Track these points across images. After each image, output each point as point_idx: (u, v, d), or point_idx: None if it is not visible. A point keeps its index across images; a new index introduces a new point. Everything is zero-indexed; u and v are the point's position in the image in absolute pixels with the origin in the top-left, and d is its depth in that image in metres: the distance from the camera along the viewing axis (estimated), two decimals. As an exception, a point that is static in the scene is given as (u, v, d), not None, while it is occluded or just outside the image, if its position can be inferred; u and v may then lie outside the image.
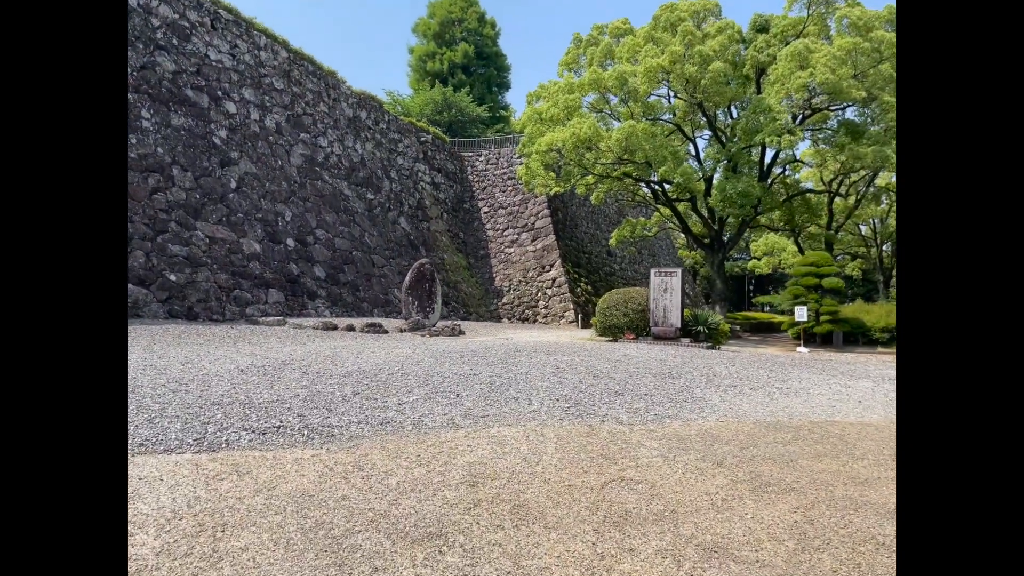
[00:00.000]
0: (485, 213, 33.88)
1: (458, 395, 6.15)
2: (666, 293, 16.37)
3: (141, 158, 14.99)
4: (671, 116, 24.68)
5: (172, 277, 14.07)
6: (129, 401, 5.27)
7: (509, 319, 30.18)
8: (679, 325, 16.12)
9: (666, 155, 20.43)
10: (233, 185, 17.88)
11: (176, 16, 17.79)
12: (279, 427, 4.62)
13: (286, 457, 3.96)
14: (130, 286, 12.94)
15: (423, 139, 32.17)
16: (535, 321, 29.64)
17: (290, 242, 19.21)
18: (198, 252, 15.30)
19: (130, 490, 3.29)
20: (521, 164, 32.97)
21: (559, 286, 29.63)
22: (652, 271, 16.69)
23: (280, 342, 11.13)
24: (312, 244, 20.29)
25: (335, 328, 15.29)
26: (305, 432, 4.51)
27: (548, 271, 30.39)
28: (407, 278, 17.78)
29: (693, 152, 27.24)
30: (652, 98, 24.00)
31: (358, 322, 17.11)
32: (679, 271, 16.58)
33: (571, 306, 28.94)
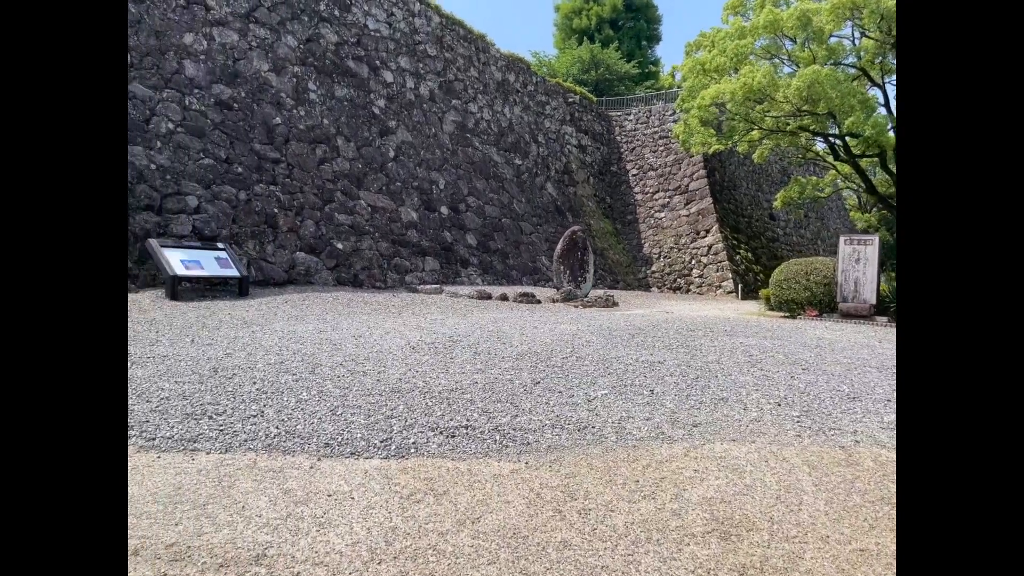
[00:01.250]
0: (633, 176, 32.22)
1: (652, 391, 5.32)
2: (858, 264, 14.19)
3: (309, 129, 15.56)
4: (856, 59, 21.39)
5: (339, 245, 14.56)
6: (310, 383, 5.07)
7: (659, 288, 28.67)
8: (874, 301, 13.93)
9: (854, 104, 17.67)
10: (392, 154, 18.18)
11: (338, -12, 18.15)
12: (467, 427, 4.09)
13: (483, 471, 3.39)
14: (302, 254, 13.53)
15: (570, 100, 31.05)
16: (688, 291, 27.86)
17: (444, 210, 19.31)
18: (361, 221, 15.73)
19: (319, 511, 2.86)
20: (676, 121, 30.79)
21: (715, 253, 27.50)
22: (841, 239, 14.54)
23: (441, 312, 10.97)
24: (464, 212, 20.27)
25: (489, 297, 15.08)
26: (496, 437, 3.94)
27: (703, 237, 28.30)
28: (559, 247, 17.12)
29: (882, 100, 23.56)
30: (833, 39, 20.92)
31: (510, 291, 16.82)
32: (876, 239, 14.28)
33: (729, 275, 26.79)
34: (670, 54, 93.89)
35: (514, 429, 4.11)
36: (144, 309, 8.58)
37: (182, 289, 10.09)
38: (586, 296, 17.06)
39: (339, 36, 17.75)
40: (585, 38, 40.41)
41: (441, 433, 3.96)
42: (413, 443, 3.77)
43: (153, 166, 11.49)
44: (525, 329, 9.00)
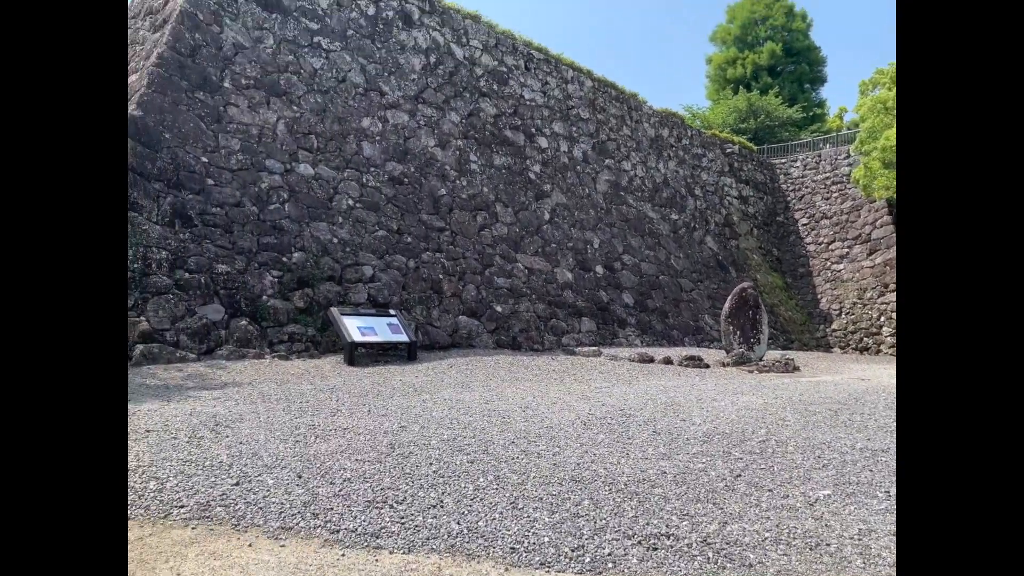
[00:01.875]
0: (803, 225, 29.70)
1: (888, 493, 4.31)
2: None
3: (471, 198, 16.19)
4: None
5: (498, 308, 14.70)
6: (485, 465, 4.76)
7: (841, 348, 25.61)
8: None
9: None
10: (547, 217, 18.35)
11: (496, 63, 19.16)
12: (667, 535, 3.48)
13: (702, 604, 2.76)
14: (464, 318, 13.80)
15: (728, 150, 29.75)
16: (878, 351, 24.56)
17: (599, 269, 18.96)
18: (519, 283, 15.84)
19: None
20: (853, 165, 28.17)
21: (909, 309, 24.06)
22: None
23: (605, 379, 10.41)
24: (619, 270, 19.76)
25: (651, 360, 14.23)
26: (708, 553, 3.28)
27: (893, 291, 25.00)
28: (727, 305, 15.88)
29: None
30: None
31: (673, 353, 15.80)
32: None
33: (929, 334, 23.15)
34: (838, 95, 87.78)
35: (727, 542, 3.41)
36: (326, 375, 9.03)
37: (358, 354, 10.59)
38: (761, 359, 15.52)
39: (497, 108, 18.57)
40: (741, 87, 38.97)
41: (639, 543, 3.38)
42: (609, 554, 3.24)
43: (335, 240, 12.46)
44: (703, 401, 8.15)
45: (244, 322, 10.21)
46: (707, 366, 14.25)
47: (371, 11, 15.92)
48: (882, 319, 25.01)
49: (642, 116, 25.02)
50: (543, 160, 19.45)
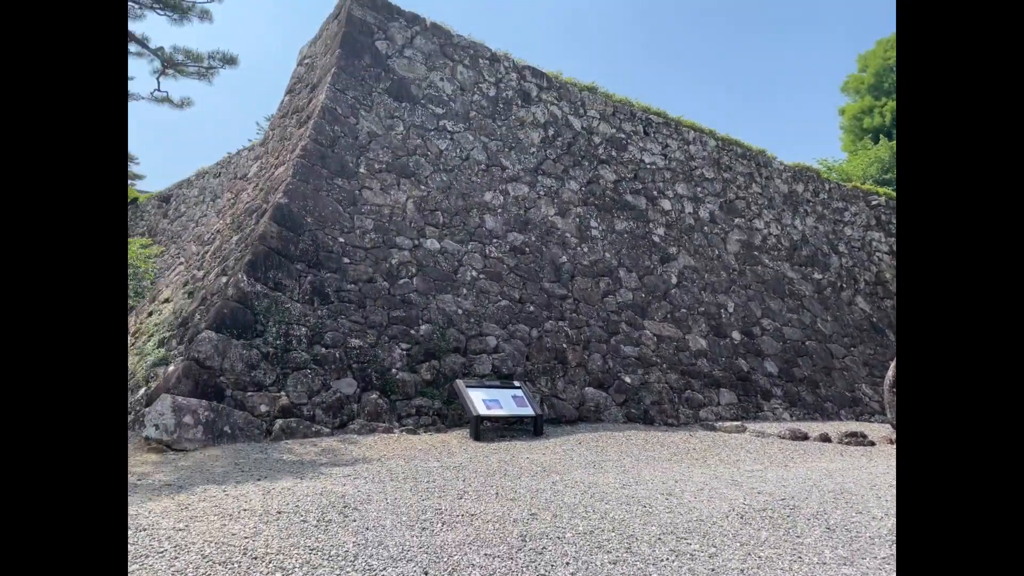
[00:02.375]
0: (972, 280, 26.15)
1: None
2: None
3: (592, 264, 15.84)
4: None
5: (627, 379, 13.92)
6: (632, 568, 4.11)
7: None
8: None
9: None
10: (674, 281, 17.51)
11: (614, 131, 19.14)
12: None
13: None
14: (591, 389, 13.17)
15: (873, 203, 27.28)
16: None
17: (735, 335, 17.60)
18: (647, 352, 15.01)
19: None
20: None
21: None
22: None
23: (754, 460, 9.25)
24: (759, 336, 18.23)
25: (805, 438, 12.64)
26: None
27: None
28: (891, 371, 13.93)
29: None
30: None
31: (830, 429, 13.99)
32: None
33: None
34: None
35: None
36: (452, 451, 8.78)
37: (484, 428, 10.29)
38: (939, 437, 13.31)
39: (616, 174, 18.39)
40: (882, 135, 36.24)
41: None
42: None
43: (460, 311, 12.54)
44: (878, 487, 6.88)
45: (375, 395, 10.33)
46: (872, 443, 12.39)
47: (492, 92, 16.62)
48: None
49: (772, 172, 23.73)
50: (667, 223, 18.81)
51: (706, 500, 6.19)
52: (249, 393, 9.40)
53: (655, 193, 19.18)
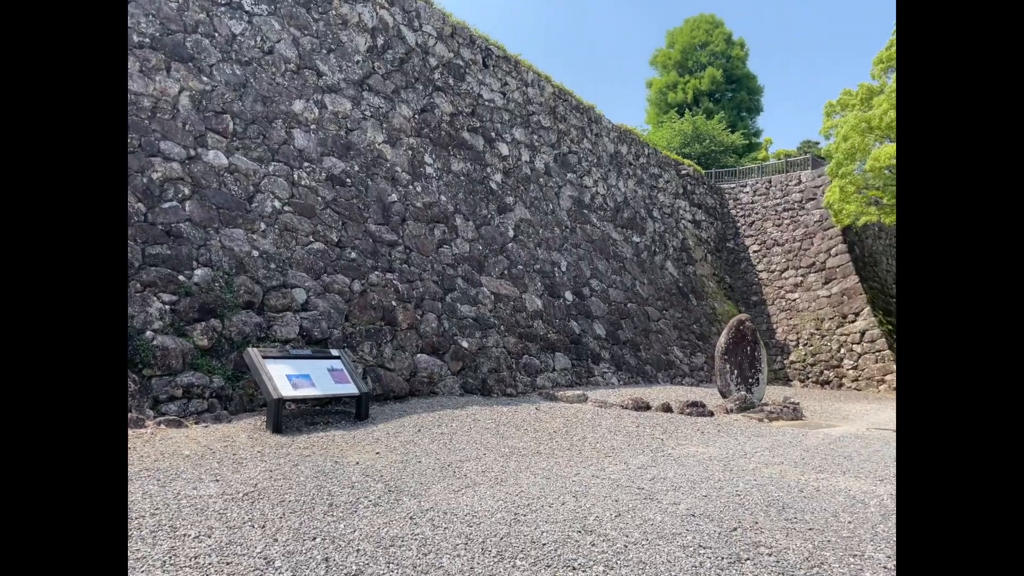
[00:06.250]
0: (755, 252, 28.75)
1: None
2: None
3: (426, 207, 13.36)
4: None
5: (464, 344, 11.87)
6: None
7: (801, 382, 24.48)
8: None
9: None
10: (511, 234, 15.78)
11: (452, 55, 16.56)
12: None
13: None
14: (424, 356, 10.87)
15: (683, 172, 28.48)
16: (840, 385, 23.55)
17: (568, 295, 16.53)
18: (485, 312, 13.10)
19: None
20: (806, 192, 27.59)
21: (871, 341, 23.29)
22: None
23: (622, 439, 7.82)
24: (589, 297, 17.43)
25: (648, 407, 11.87)
26: None
27: (852, 321, 24.22)
28: (722, 339, 13.82)
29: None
30: None
31: (662, 396, 13.52)
32: None
33: (893, 367, 22.39)
34: (773, 126, 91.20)
35: None
36: (240, 459, 5.89)
37: (287, 414, 7.47)
38: (761, 402, 13.53)
39: (454, 107, 15.92)
40: (687, 110, 38.39)
41: None
42: None
43: (256, 253, 9.28)
44: (813, 493, 5.72)
45: (114, 371, 6.87)
46: (711, 414, 12.02)
47: (307, -25, 12.92)
48: (842, 351, 24.08)
49: (602, 130, 23.13)
50: (504, 169, 16.93)
51: (636, 529, 4.38)
52: None
53: (493, 135, 17.12)
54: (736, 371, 13.69)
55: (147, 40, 9.55)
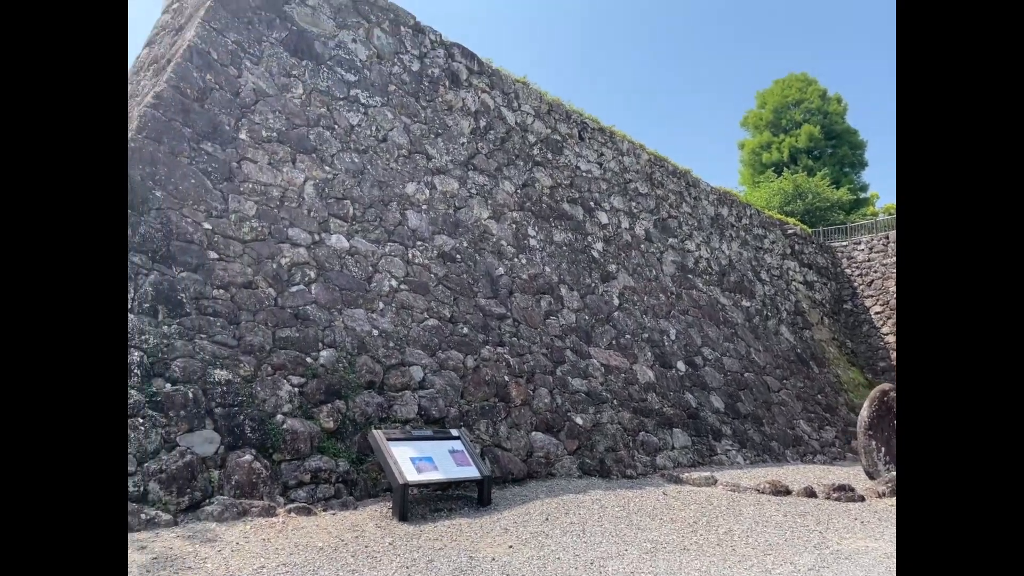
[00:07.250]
0: (876, 314, 26.50)
1: None
2: None
3: (532, 279, 13.23)
4: None
5: (578, 420, 11.31)
6: None
7: (949, 457, 21.65)
8: None
9: None
10: (616, 302, 15.31)
11: (549, 131, 16.86)
12: None
13: None
14: (539, 435, 10.40)
15: (789, 231, 27.13)
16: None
17: (680, 365, 15.66)
18: (596, 385, 12.54)
19: None
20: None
21: None
22: None
23: (776, 533, 6.87)
24: (702, 366, 16.44)
25: (788, 492, 10.68)
26: None
27: (1005, 388, 21.39)
28: (864, 413, 12.42)
29: None
30: None
31: (800, 476, 12.19)
32: None
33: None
34: (880, 179, 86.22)
35: None
36: (372, 552, 5.60)
37: (410, 500, 7.18)
38: (917, 486, 11.90)
39: (553, 179, 16.04)
40: (784, 169, 37.15)
41: None
42: None
43: (376, 332, 9.35)
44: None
45: (248, 456, 6.87)
46: (862, 499, 10.62)
47: (415, 67, 13.70)
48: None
49: (700, 193, 22.57)
50: (605, 237, 16.69)
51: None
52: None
53: (592, 204, 17.04)
54: (884, 448, 12.16)
55: (275, 135, 10.25)
